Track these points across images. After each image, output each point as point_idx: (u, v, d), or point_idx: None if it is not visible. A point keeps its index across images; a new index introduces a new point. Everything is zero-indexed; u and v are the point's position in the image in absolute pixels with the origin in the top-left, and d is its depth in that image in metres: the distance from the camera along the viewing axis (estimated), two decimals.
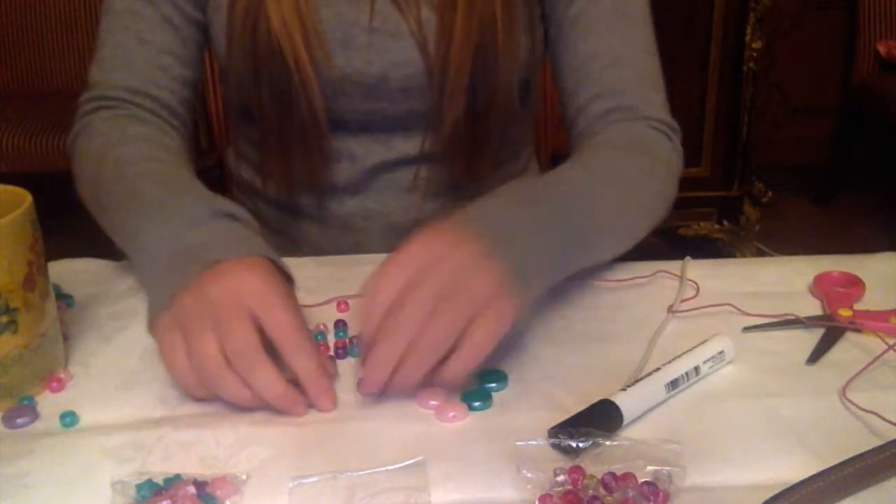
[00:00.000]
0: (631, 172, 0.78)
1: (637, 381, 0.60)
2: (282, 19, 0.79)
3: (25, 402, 0.62)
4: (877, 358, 0.65)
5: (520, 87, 0.87)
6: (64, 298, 0.75)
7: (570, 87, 0.85)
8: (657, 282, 0.78)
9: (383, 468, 0.53)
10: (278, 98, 0.83)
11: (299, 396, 0.59)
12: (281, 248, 0.94)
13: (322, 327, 0.71)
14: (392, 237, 0.92)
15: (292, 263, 0.83)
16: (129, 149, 0.79)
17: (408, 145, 0.89)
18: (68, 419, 0.60)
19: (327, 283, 0.78)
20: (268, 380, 0.57)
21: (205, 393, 0.60)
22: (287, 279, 0.66)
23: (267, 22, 0.80)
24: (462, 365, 0.58)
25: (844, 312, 0.70)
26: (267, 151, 0.91)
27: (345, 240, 0.93)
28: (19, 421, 0.60)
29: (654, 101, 0.85)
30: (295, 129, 0.85)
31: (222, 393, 0.58)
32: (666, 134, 0.84)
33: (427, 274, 0.58)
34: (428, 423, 0.59)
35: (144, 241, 0.67)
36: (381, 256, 0.84)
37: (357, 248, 0.91)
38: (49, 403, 0.62)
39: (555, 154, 1.19)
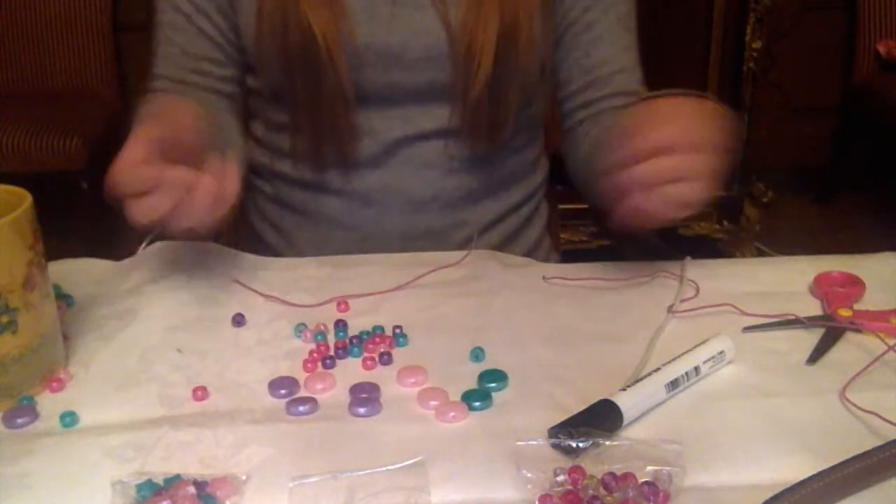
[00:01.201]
0: None
1: (637, 381, 0.60)
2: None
3: (25, 402, 0.62)
4: (877, 358, 0.65)
5: (537, 66, 0.91)
6: (64, 298, 0.75)
7: (577, 85, 0.95)
8: (657, 282, 0.78)
9: (383, 468, 0.53)
10: (307, 75, 0.87)
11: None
12: (295, 226, 0.98)
13: (322, 327, 0.71)
14: (411, 212, 0.94)
15: (293, 263, 0.83)
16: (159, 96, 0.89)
17: (427, 120, 0.91)
18: (68, 419, 0.60)
19: (327, 283, 0.79)
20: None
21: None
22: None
23: (296, 2, 0.84)
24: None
25: (844, 312, 0.70)
26: (297, 133, 0.94)
27: (365, 213, 0.94)
28: (19, 421, 0.60)
29: None
30: (324, 105, 0.88)
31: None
32: None
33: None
34: (428, 423, 0.59)
35: None
36: (382, 256, 0.85)
37: (377, 222, 0.94)
38: (49, 403, 0.62)
39: (555, 155, 1.20)
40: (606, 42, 0.93)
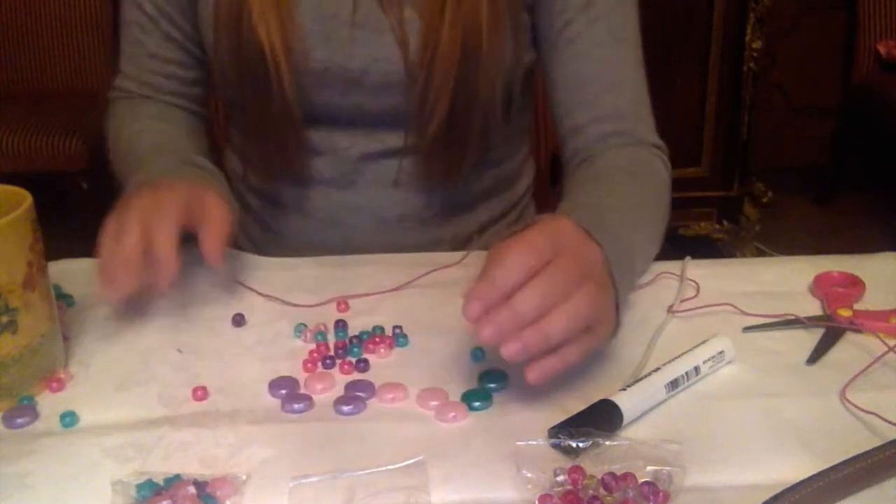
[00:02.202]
0: (648, 199, 0.81)
1: (637, 381, 0.60)
2: (260, 7, 0.82)
3: (25, 402, 0.62)
4: (877, 359, 0.65)
5: (503, 90, 0.87)
6: (64, 298, 0.75)
7: (565, 106, 0.88)
8: (657, 282, 0.78)
9: (383, 468, 0.53)
10: (256, 88, 0.85)
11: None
12: (268, 243, 0.96)
13: (322, 327, 0.71)
14: (380, 231, 0.93)
15: (293, 264, 0.83)
16: (136, 125, 0.92)
17: (393, 138, 0.90)
18: (68, 419, 0.60)
19: (327, 283, 0.79)
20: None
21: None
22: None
23: (248, 12, 0.82)
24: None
25: (844, 312, 0.70)
26: (250, 142, 0.94)
27: (332, 234, 0.93)
28: (19, 421, 0.60)
29: (648, 123, 0.88)
30: (271, 121, 0.87)
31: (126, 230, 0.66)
32: (660, 157, 0.87)
33: (564, 262, 0.57)
34: (428, 423, 0.59)
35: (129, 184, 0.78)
36: (382, 256, 0.85)
37: (345, 243, 0.92)
38: (49, 403, 0.62)
39: (554, 155, 1.19)
40: (593, 57, 0.85)
